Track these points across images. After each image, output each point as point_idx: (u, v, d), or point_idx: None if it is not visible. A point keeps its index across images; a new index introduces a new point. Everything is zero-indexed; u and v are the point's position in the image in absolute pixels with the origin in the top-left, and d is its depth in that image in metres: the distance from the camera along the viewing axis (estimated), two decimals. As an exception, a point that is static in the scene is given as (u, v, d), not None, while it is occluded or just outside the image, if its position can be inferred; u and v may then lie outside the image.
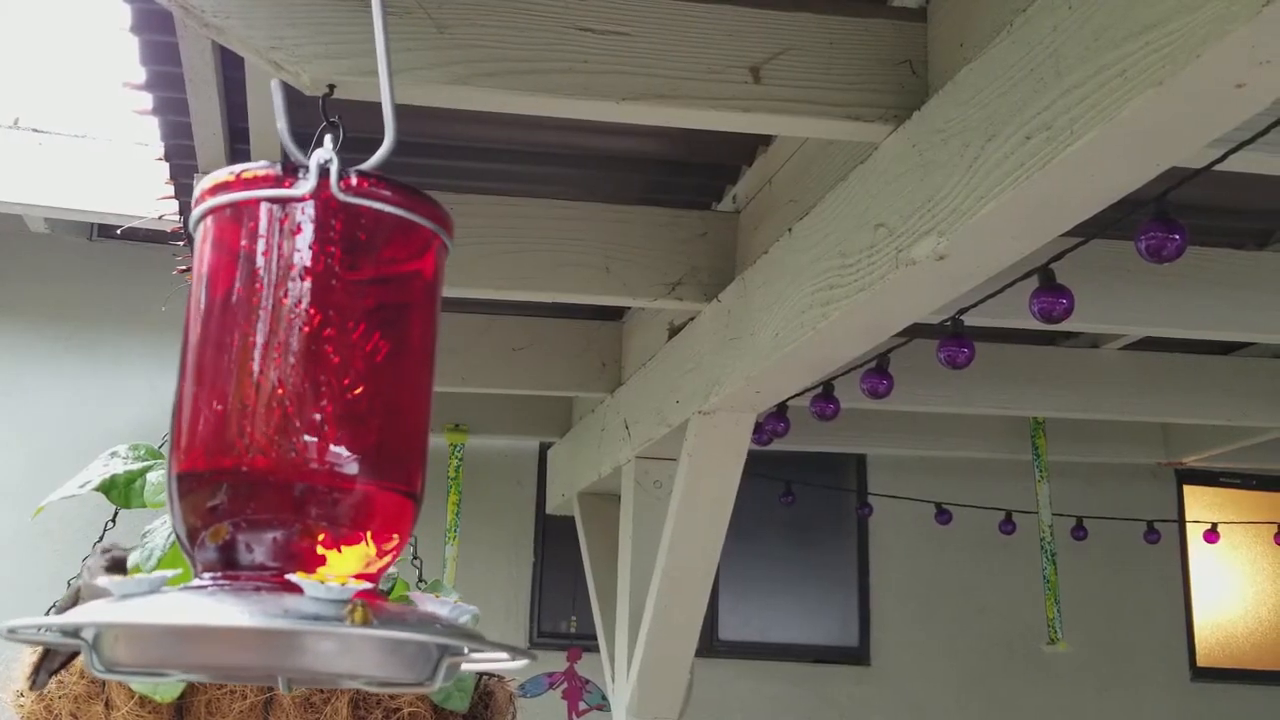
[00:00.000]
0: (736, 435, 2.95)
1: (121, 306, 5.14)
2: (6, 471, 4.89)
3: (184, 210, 2.99)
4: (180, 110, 2.40)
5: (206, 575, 0.86)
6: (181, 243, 3.30)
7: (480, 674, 2.02)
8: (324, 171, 0.87)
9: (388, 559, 0.90)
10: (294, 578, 0.78)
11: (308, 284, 0.87)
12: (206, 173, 2.60)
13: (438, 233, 0.93)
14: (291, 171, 0.88)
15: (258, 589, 0.82)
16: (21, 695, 1.86)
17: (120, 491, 2.07)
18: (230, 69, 2.25)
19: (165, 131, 2.58)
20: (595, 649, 4.27)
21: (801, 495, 5.28)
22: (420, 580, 2.57)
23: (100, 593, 0.93)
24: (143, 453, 2.14)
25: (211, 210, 0.90)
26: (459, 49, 1.82)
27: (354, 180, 0.88)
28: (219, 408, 0.86)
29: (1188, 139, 1.49)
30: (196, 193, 0.91)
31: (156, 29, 2.14)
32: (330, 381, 0.86)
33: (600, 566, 4.26)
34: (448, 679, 0.84)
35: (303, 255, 0.87)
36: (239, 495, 0.85)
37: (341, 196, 0.87)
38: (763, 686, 5.45)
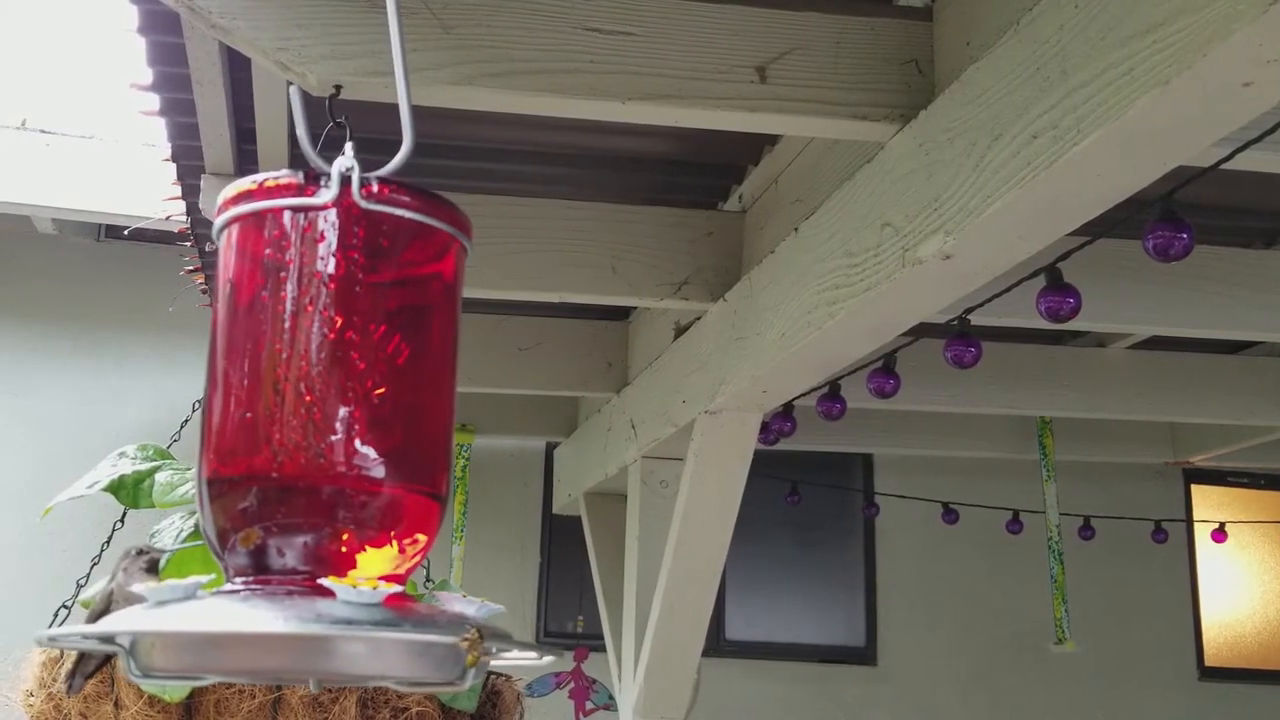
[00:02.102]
0: (743, 435, 2.94)
1: (128, 307, 5.15)
2: (14, 472, 4.91)
3: (191, 211, 2.99)
4: (187, 111, 2.40)
5: (238, 580, 0.87)
6: (189, 243, 3.31)
7: (488, 673, 2.02)
8: (345, 179, 0.88)
9: (415, 560, 0.91)
10: (325, 582, 0.79)
11: (331, 290, 0.88)
12: (214, 173, 2.62)
13: (457, 236, 0.94)
14: (313, 179, 0.89)
15: (290, 593, 0.84)
16: (31, 695, 1.87)
17: (129, 492, 2.08)
18: (237, 70, 2.25)
19: (172, 132, 2.59)
20: (602, 648, 4.28)
21: (808, 495, 5.27)
22: (428, 580, 2.58)
23: (134, 598, 0.94)
24: (151, 453, 2.15)
25: (235, 219, 0.91)
26: (465, 49, 1.83)
27: (375, 187, 0.89)
28: (247, 413, 0.87)
29: (1194, 138, 1.49)
30: (219, 201, 0.92)
31: (163, 30, 2.15)
32: (355, 385, 0.87)
33: (607, 566, 4.26)
34: (477, 678, 0.85)
35: (326, 262, 0.88)
36: (268, 499, 0.87)
37: (363, 204, 0.88)
38: (769, 686, 5.45)
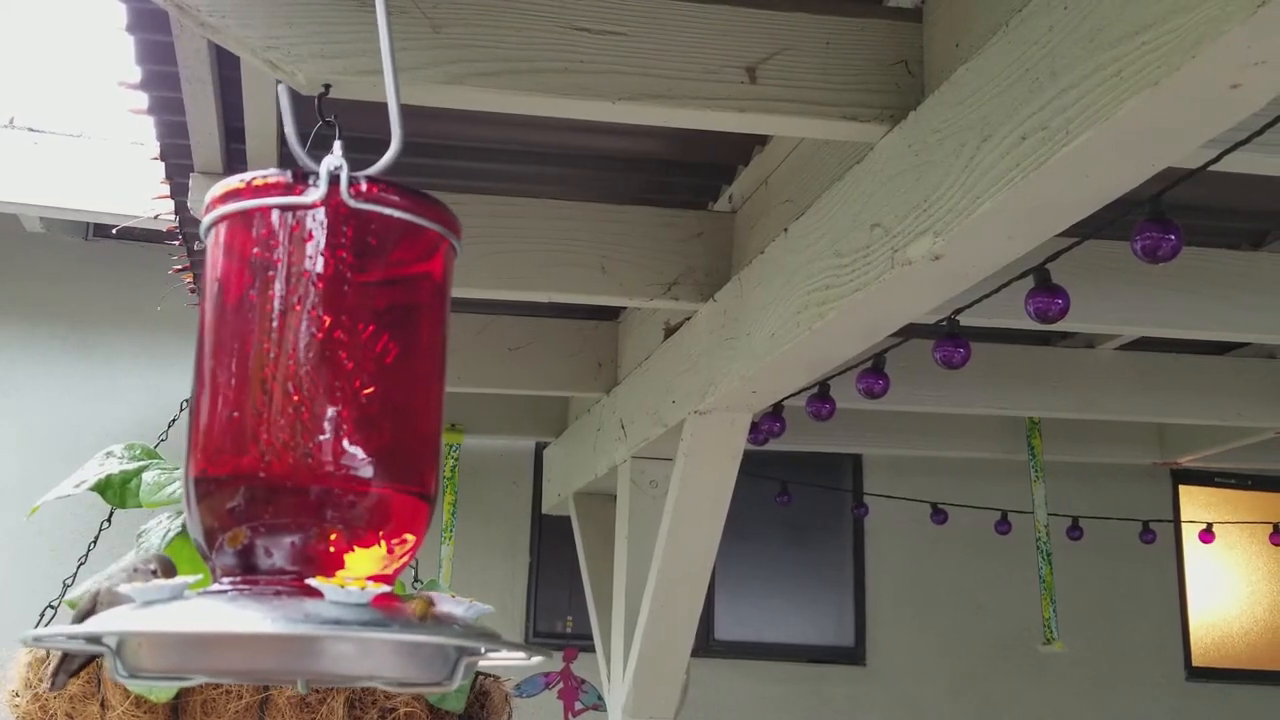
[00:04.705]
0: (732, 435, 2.95)
1: (117, 306, 5.13)
2: (2, 471, 4.89)
3: (179, 210, 2.98)
4: (176, 110, 2.39)
5: (226, 580, 0.87)
6: (177, 242, 3.30)
7: (477, 674, 2.02)
8: (334, 178, 0.88)
9: (403, 560, 0.91)
10: (313, 582, 0.79)
11: (319, 289, 0.88)
12: (203, 172, 2.61)
13: (446, 236, 0.94)
14: (301, 178, 0.89)
15: (278, 593, 0.83)
16: (17, 695, 1.86)
17: (115, 491, 2.07)
18: (226, 68, 2.24)
19: (161, 131, 2.58)
20: (591, 649, 4.27)
21: (797, 495, 5.27)
22: (416, 580, 2.57)
23: (121, 598, 0.93)
24: (138, 452, 2.14)
25: (223, 218, 0.91)
26: (454, 48, 1.82)
27: (364, 186, 0.89)
28: (234, 413, 0.87)
29: (1183, 139, 1.49)
30: (207, 200, 0.92)
31: (152, 28, 2.14)
32: (343, 385, 0.87)
33: (596, 566, 4.26)
34: (465, 678, 0.85)
35: (314, 261, 0.88)
36: (256, 499, 0.86)
37: (352, 203, 0.88)
38: (759, 686, 5.45)
